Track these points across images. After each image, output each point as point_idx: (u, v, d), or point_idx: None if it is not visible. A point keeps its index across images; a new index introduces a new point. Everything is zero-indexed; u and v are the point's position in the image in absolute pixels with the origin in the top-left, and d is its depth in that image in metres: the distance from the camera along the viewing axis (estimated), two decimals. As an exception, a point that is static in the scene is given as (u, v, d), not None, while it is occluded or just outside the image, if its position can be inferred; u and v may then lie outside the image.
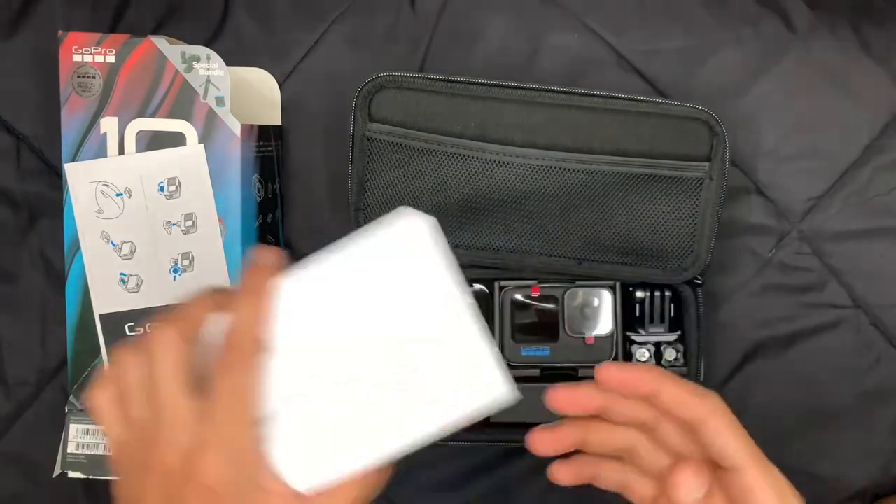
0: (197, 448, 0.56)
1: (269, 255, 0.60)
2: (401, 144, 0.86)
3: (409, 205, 0.86)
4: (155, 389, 0.57)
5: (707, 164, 0.84)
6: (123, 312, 0.87)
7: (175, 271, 0.86)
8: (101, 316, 0.88)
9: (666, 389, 0.61)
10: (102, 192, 0.85)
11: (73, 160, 0.86)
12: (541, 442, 0.66)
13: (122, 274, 0.87)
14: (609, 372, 0.62)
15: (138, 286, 0.87)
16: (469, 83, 0.84)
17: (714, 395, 0.61)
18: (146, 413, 0.58)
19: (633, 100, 0.83)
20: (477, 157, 0.85)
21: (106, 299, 0.87)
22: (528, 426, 0.90)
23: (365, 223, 0.87)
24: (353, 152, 0.87)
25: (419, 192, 0.87)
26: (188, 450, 0.56)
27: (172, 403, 0.56)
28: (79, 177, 0.85)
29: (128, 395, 0.59)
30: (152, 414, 0.57)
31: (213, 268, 0.85)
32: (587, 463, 0.68)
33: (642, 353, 0.88)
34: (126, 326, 0.87)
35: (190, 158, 0.84)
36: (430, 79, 0.84)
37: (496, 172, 0.85)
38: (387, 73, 0.84)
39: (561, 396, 0.64)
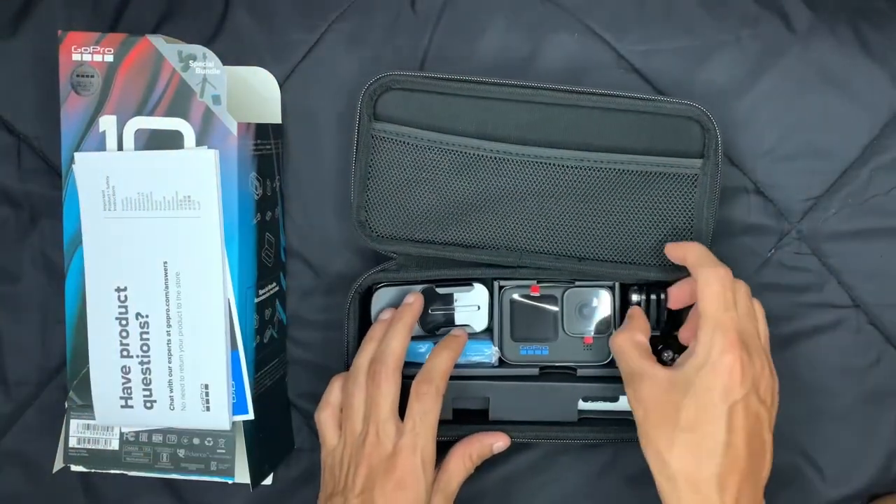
0: (395, 453, 0.81)
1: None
2: (404, 143, 0.86)
3: (411, 202, 0.87)
4: (375, 412, 0.82)
5: (701, 160, 0.84)
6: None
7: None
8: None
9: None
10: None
11: (72, 159, 0.86)
12: None
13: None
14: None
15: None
16: (470, 82, 0.85)
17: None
18: (360, 426, 0.83)
19: (625, 97, 0.84)
20: (477, 155, 0.86)
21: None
22: (528, 424, 0.90)
23: (367, 221, 0.88)
24: (356, 150, 0.87)
25: (420, 190, 0.87)
26: (389, 453, 0.81)
27: (384, 421, 0.82)
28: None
29: (349, 411, 0.84)
30: (366, 427, 0.82)
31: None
32: None
33: None
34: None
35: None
36: (433, 78, 0.85)
37: (496, 170, 0.86)
38: (392, 73, 0.86)
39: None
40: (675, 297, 0.86)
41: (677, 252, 0.83)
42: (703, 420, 0.74)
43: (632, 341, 0.81)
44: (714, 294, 0.77)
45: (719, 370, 0.74)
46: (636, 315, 0.85)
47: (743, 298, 0.78)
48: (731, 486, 0.73)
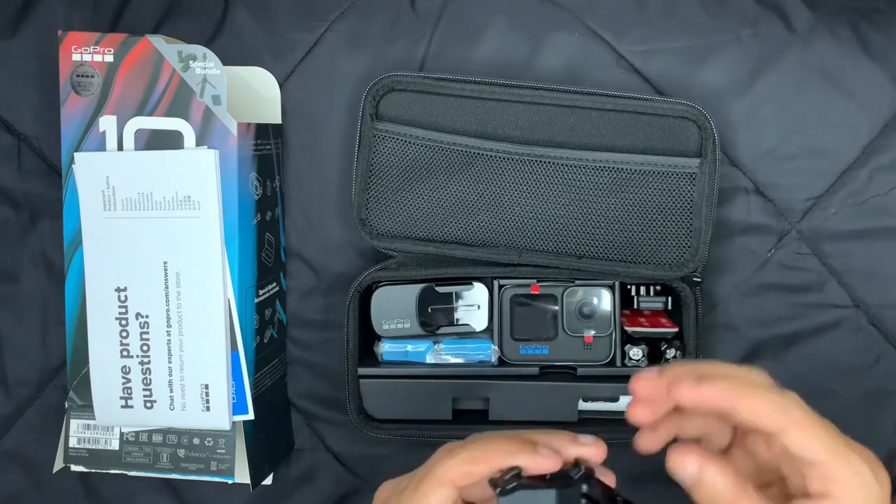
0: None
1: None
2: (405, 141, 0.87)
3: (412, 200, 0.87)
4: None
5: (698, 159, 0.85)
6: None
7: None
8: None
9: (742, 406, 0.58)
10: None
11: (72, 159, 0.86)
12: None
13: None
14: (682, 393, 0.59)
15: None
16: (470, 82, 0.86)
17: (792, 401, 0.59)
18: None
19: (622, 97, 0.85)
20: (477, 154, 0.87)
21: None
22: (528, 424, 0.90)
23: (368, 219, 0.88)
24: (358, 149, 0.88)
25: (421, 188, 0.88)
26: None
27: None
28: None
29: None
30: None
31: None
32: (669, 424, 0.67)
33: (635, 353, 0.88)
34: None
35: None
36: (434, 79, 0.86)
37: (496, 168, 0.87)
38: (394, 74, 0.87)
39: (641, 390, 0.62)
40: None
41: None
42: None
43: (733, 481, 0.59)
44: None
45: None
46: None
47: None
48: None
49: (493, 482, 0.62)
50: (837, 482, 0.58)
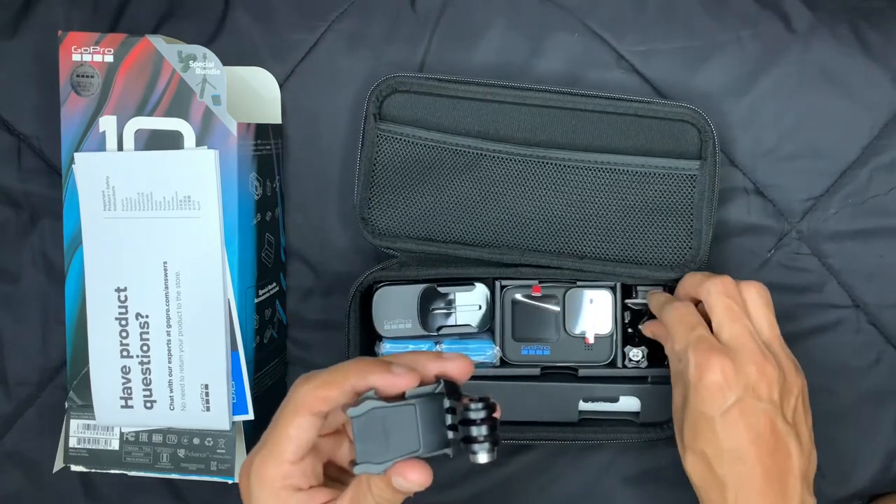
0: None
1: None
2: (408, 142, 0.88)
3: (414, 200, 0.87)
4: None
5: (698, 161, 0.85)
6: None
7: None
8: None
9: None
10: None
11: (72, 159, 0.86)
12: None
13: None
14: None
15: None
16: (473, 84, 0.87)
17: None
18: None
19: (622, 100, 0.86)
20: (480, 154, 0.87)
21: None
22: (528, 425, 0.90)
23: (370, 218, 0.88)
24: (361, 149, 0.88)
25: (423, 188, 0.88)
26: None
27: None
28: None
29: None
30: None
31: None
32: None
33: (635, 354, 0.88)
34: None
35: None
36: (438, 80, 0.87)
37: (498, 169, 0.87)
38: (398, 75, 0.87)
39: None
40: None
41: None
42: (701, 436, 0.74)
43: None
44: (675, 321, 0.79)
45: (700, 389, 0.74)
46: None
47: (719, 303, 0.77)
48: (750, 491, 0.72)
49: (345, 406, 0.63)
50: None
